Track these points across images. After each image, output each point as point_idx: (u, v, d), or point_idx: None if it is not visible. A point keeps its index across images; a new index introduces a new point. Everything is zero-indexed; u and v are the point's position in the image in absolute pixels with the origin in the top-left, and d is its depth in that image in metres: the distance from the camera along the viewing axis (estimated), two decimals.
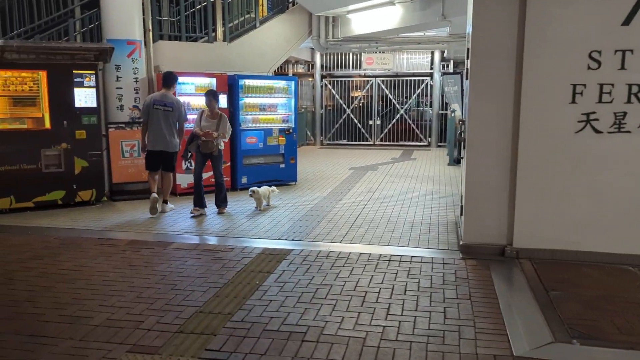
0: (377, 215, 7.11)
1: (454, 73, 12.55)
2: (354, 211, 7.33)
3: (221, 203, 7.33)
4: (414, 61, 16.68)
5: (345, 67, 17.17)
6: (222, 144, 7.33)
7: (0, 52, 7.15)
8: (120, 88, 8.39)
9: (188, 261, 5.23)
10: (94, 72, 7.57)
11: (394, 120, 16.99)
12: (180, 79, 8.35)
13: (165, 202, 7.49)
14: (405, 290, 4.41)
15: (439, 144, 16.64)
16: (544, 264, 5.01)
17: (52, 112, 7.35)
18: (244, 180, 9.06)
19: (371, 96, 17.09)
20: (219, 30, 9.65)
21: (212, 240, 5.98)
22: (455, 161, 12.12)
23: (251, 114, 9.10)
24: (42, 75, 7.30)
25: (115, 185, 8.22)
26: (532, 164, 5.06)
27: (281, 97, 9.39)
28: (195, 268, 5.01)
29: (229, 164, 8.92)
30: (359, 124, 17.26)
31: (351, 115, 17.26)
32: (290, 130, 9.52)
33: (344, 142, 17.35)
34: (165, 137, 7.17)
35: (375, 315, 3.92)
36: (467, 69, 5.61)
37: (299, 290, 4.43)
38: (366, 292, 4.37)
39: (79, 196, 7.66)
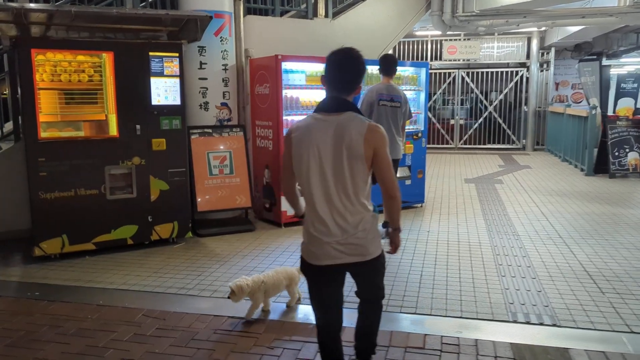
0: (617, 266, 4.72)
1: (592, 59, 10.09)
2: (569, 259, 4.93)
3: None
4: (505, 50, 14.23)
5: (421, 58, 14.74)
6: None
7: (44, 26, 4.92)
8: (205, 79, 6.08)
9: None
10: (177, 54, 5.27)
11: (481, 119, 14.54)
12: (286, 66, 6.06)
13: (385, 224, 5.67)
14: None
15: (536, 146, 14.19)
16: None
17: (120, 113, 5.07)
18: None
19: (453, 91, 14.68)
20: (320, 3, 7.33)
21: (403, 324, 3.63)
22: (595, 170, 9.67)
23: None
24: (107, 58, 5.02)
25: (199, 214, 5.93)
26: None
27: (408, 90, 7.03)
28: None
29: None
30: (437, 124, 14.83)
31: (428, 113, 14.79)
32: (420, 135, 7.16)
33: None
34: (394, 141, 5.49)
35: None
36: None
37: None
38: None
39: (155, 232, 5.38)
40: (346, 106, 2.40)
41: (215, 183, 5.98)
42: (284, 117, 6.04)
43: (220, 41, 6.09)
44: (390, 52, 8.35)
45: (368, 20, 7.76)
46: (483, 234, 5.83)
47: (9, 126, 6.24)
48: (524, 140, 14.26)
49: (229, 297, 3.57)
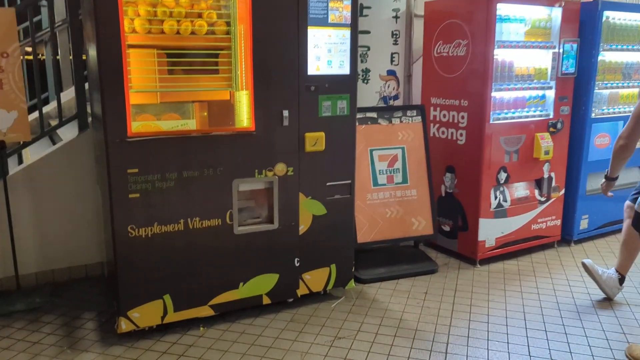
0: None
1: None
2: None
3: None
4: None
5: None
6: None
7: None
8: (367, 32, 3.89)
9: None
10: None
11: None
12: (500, 10, 3.77)
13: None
14: None
15: None
16: None
17: (257, 90, 2.94)
18: (584, 223, 4.48)
19: None
20: None
21: None
22: None
23: (609, 86, 4.43)
24: None
25: (360, 245, 3.82)
26: None
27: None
28: None
29: (563, 192, 4.34)
30: None
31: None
32: None
33: None
34: None
35: None
36: None
37: None
38: None
39: (303, 283, 3.31)
40: None
41: (382, 198, 3.84)
42: (492, 94, 3.80)
43: None
44: None
45: None
46: None
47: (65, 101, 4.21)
48: None
49: None
